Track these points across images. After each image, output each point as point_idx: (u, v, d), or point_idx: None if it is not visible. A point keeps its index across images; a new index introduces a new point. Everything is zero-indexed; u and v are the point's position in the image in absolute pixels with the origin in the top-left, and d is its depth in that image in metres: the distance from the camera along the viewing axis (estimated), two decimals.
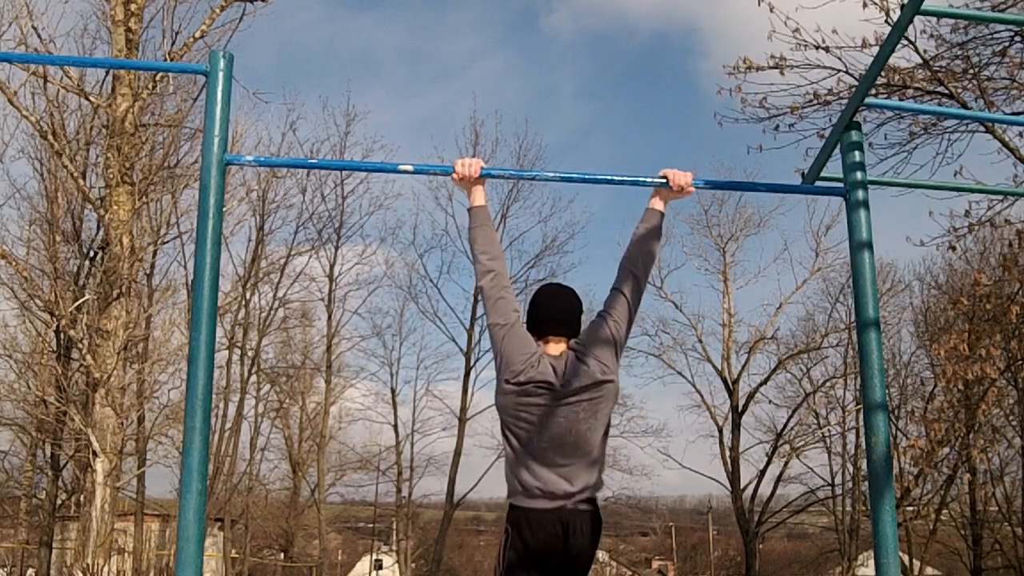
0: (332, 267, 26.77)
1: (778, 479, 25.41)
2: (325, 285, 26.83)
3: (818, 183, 3.58)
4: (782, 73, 8.71)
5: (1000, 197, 8.44)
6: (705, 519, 42.90)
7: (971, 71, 8.43)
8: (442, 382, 76.90)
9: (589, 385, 2.98)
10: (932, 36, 8.44)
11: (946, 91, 8.35)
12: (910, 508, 20.29)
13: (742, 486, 24.86)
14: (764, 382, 25.46)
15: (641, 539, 54.14)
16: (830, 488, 26.24)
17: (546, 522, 2.91)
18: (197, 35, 13.62)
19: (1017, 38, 8.12)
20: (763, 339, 25.53)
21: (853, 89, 7.44)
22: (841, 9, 8.16)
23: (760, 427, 26.62)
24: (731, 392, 25.38)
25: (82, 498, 13.76)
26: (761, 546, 29.21)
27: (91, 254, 15.79)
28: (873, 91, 4.09)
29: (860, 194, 3.19)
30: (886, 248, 36.50)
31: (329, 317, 26.72)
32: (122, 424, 12.68)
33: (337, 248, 26.81)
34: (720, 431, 25.74)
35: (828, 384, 25.57)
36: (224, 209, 4.08)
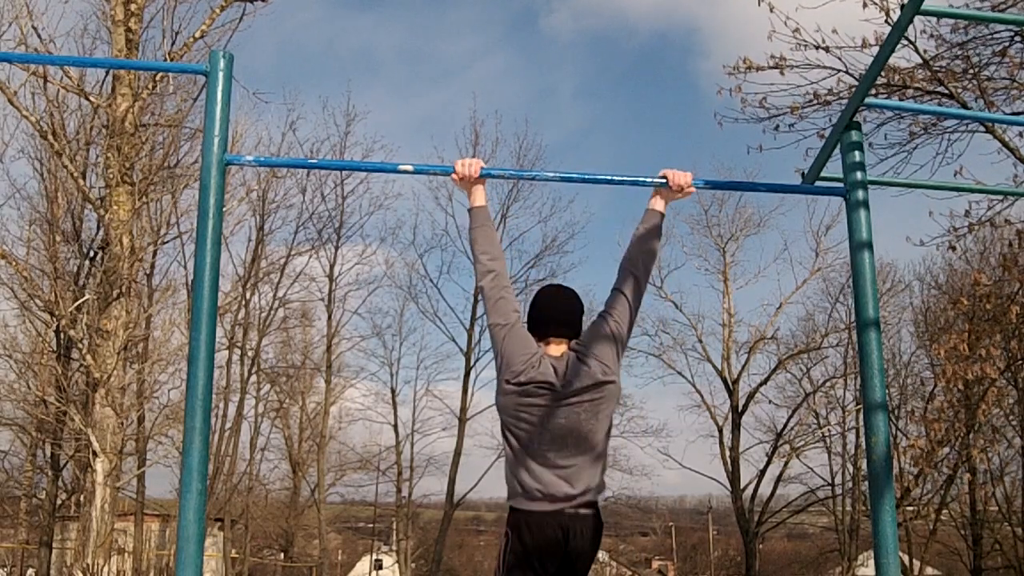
0: (332, 267, 26.80)
1: (778, 479, 25.44)
2: (325, 285, 26.87)
3: (818, 183, 3.58)
4: (782, 73, 8.71)
5: (1000, 197, 8.44)
6: (705, 519, 42.90)
7: (971, 71, 8.43)
8: (442, 382, 76.99)
9: (590, 386, 2.97)
10: (932, 36, 8.45)
11: (946, 91, 8.35)
12: (910, 508, 20.29)
13: (742, 486, 24.86)
14: (764, 382, 25.48)
15: (641, 539, 54.14)
16: (830, 488, 26.26)
17: (546, 526, 2.89)
18: (197, 35, 13.62)
19: (1017, 38, 8.12)
20: (763, 339, 25.55)
21: (853, 89, 7.44)
22: (841, 9, 8.16)
23: (760, 427, 26.66)
24: (731, 392, 25.38)
25: (82, 498, 13.76)
26: (761, 546, 29.21)
27: (91, 254, 15.79)
28: (873, 91, 4.09)
29: (860, 194, 3.19)
30: (886, 248, 36.57)
31: (329, 317, 26.75)
32: (122, 424, 12.67)
33: (337, 248, 26.85)
34: (720, 431, 25.75)
35: (828, 384, 25.59)
36: (224, 209, 4.08)
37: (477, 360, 25.28)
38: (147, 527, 22.07)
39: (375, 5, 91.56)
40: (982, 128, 8.36)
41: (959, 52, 8.43)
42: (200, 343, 2.83)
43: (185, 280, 17.58)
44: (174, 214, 16.53)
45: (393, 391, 28.20)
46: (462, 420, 24.98)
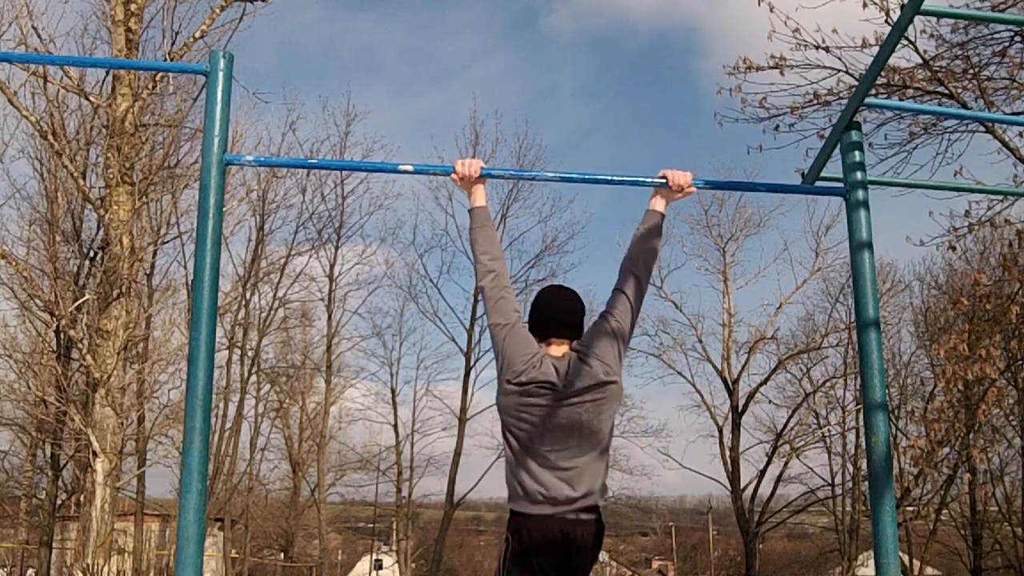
0: (332, 267, 26.80)
1: (778, 479, 25.44)
2: (325, 285, 26.87)
3: (818, 183, 3.58)
4: (782, 73, 8.71)
5: (1000, 197, 8.44)
6: (705, 519, 42.90)
7: (971, 71, 8.43)
8: (442, 382, 77.05)
9: (592, 386, 2.95)
10: (932, 36, 8.45)
11: (946, 91, 8.35)
12: (910, 508, 20.29)
13: (742, 486, 24.86)
14: (764, 382, 25.48)
15: (641, 539, 54.15)
16: (830, 488, 26.26)
17: (547, 531, 2.87)
18: (197, 35, 13.62)
19: (1017, 38, 8.12)
20: (763, 339, 25.55)
21: (853, 89, 7.44)
22: (841, 9, 8.16)
23: (760, 427, 26.66)
24: (731, 392, 25.38)
25: (82, 498, 13.76)
26: (761, 546, 29.21)
27: (91, 254, 15.79)
28: (873, 91, 4.09)
29: (860, 194, 3.19)
30: (886, 248, 36.53)
31: (329, 317, 26.75)
32: (122, 424, 12.67)
33: (337, 248, 26.84)
34: (720, 431, 25.75)
35: (828, 384, 25.59)
36: (224, 209, 4.09)
37: (477, 360, 25.33)
38: (147, 527, 22.08)
39: (375, 5, 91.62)
40: (982, 128, 8.36)
41: (959, 52, 8.43)
42: (200, 343, 2.83)
43: (185, 280, 17.60)
44: (174, 214, 16.55)
45: (393, 391, 28.24)
46: (462, 420, 24.98)
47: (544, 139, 74.49)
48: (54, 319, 13.74)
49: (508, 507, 3.02)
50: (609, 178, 3.26)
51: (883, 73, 7.49)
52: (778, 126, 8.90)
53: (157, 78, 13.23)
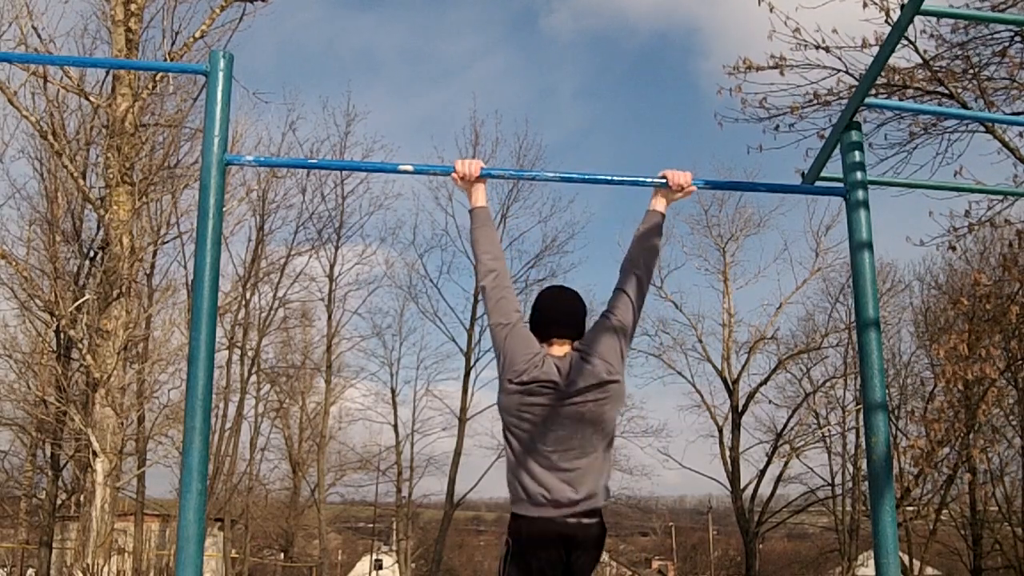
0: (332, 267, 26.80)
1: (778, 479, 25.44)
2: (325, 285, 26.87)
3: (818, 183, 3.58)
4: (782, 73, 8.71)
5: (1000, 197, 8.44)
6: (705, 519, 42.91)
7: (971, 71, 8.43)
8: (442, 382, 77.11)
9: (595, 385, 2.92)
10: (932, 36, 8.45)
11: (946, 91, 8.35)
12: (910, 508, 20.29)
13: (742, 486, 24.86)
14: (764, 382, 25.48)
15: (641, 539, 54.14)
16: (830, 488, 26.26)
17: (548, 534, 2.85)
18: (197, 35, 13.62)
19: (1017, 38, 8.12)
20: (763, 339, 25.55)
21: (853, 89, 7.44)
22: (841, 9, 8.16)
23: (760, 427, 26.66)
24: (731, 392, 25.38)
25: (82, 498, 13.76)
26: (761, 546, 29.21)
27: (91, 254, 15.79)
28: (873, 91, 4.09)
29: (860, 194, 3.19)
30: (886, 248, 36.53)
31: (329, 317, 26.75)
32: (122, 424, 12.67)
33: (337, 248, 26.84)
34: (720, 431, 25.75)
35: (828, 384, 25.59)
36: (224, 209, 4.09)
37: (477, 360, 25.32)
38: (147, 527, 22.08)
39: (375, 5, 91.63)
40: (982, 128, 8.36)
41: (959, 52, 8.44)
42: (200, 343, 2.83)
43: (185, 280, 17.60)
44: (174, 214, 16.55)
45: (393, 391, 28.23)
46: (462, 420, 24.98)
47: (544, 139, 74.53)
48: (54, 319, 13.74)
49: (510, 510, 2.99)
50: (609, 178, 3.26)
51: (883, 73, 7.49)
52: (778, 126, 8.90)
53: (157, 78, 13.23)
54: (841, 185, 3.28)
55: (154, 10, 13.94)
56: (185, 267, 18.69)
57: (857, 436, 24.41)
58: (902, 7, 2.89)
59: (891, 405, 22.29)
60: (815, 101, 8.82)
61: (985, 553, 23.05)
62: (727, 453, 25.21)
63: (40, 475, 20.33)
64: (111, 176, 12.82)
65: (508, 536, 2.94)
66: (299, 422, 28.90)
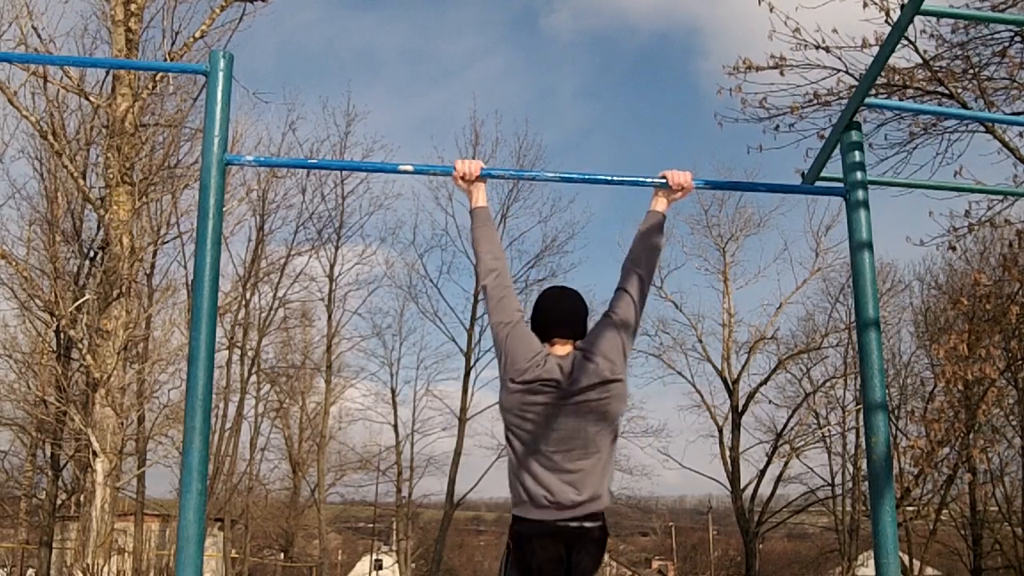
0: (332, 267, 26.80)
1: (778, 479, 25.44)
2: (325, 285, 26.87)
3: (818, 183, 3.58)
4: (782, 73, 8.71)
5: (1000, 197, 8.44)
6: (705, 519, 42.91)
7: (971, 71, 8.43)
8: (442, 382, 77.12)
9: (597, 384, 2.90)
10: (932, 36, 8.45)
11: (946, 91, 8.35)
12: (910, 508, 20.28)
13: (742, 486, 24.86)
14: (764, 382, 25.48)
15: (641, 539, 54.16)
16: (830, 488, 26.26)
17: (549, 538, 2.83)
18: (197, 35, 13.62)
19: (1017, 38, 8.12)
20: (763, 339, 25.55)
21: (853, 89, 7.45)
22: (841, 9, 8.16)
23: (760, 427, 26.66)
24: (731, 392, 25.38)
25: (82, 498, 13.76)
26: (761, 546, 29.21)
27: (91, 254, 15.79)
28: (873, 91, 4.09)
29: (860, 194, 3.19)
30: (886, 248, 36.55)
31: (329, 317, 26.74)
32: (122, 424, 12.67)
33: (337, 248, 26.84)
34: (720, 431, 25.75)
35: (828, 384, 25.59)
36: (224, 209, 4.09)
37: (477, 360, 25.32)
38: (147, 527, 22.08)
39: (375, 5, 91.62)
40: (982, 128, 8.36)
41: (959, 52, 8.43)
42: (200, 343, 2.83)
43: (185, 280, 17.60)
44: (174, 214, 16.55)
45: (393, 391, 28.23)
46: (462, 420, 24.98)
47: (544, 139, 74.56)
48: (54, 319, 13.74)
49: (511, 512, 2.96)
50: (609, 178, 3.26)
51: (883, 73, 7.49)
52: (778, 126, 8.90)
53: (157, 78, 13.23)
54: (841, 185, 3.28)
55: (154, 10, 13.96)
56: (185, 267, 18.71)
57: (857, 436, 24.41)
58: (902, 7, 2.89)
59: (891, 405, 22.29)
60: (815, 101, 8.83)
61: (985, 553, 23.05)
62: (727, 453, 25.21)
63: (40, 475, 20.34)
64: (111, 176, 12.82)
65: (509, 539, 2.92)
66: (299, 422, 28.93)
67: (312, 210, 26.36)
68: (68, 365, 15.45)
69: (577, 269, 29.35)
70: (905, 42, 8.06)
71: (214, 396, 4.71)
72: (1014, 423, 21.32)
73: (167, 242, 17.68)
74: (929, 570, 25.70)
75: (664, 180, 3.15)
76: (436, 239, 42.39)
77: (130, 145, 12.82)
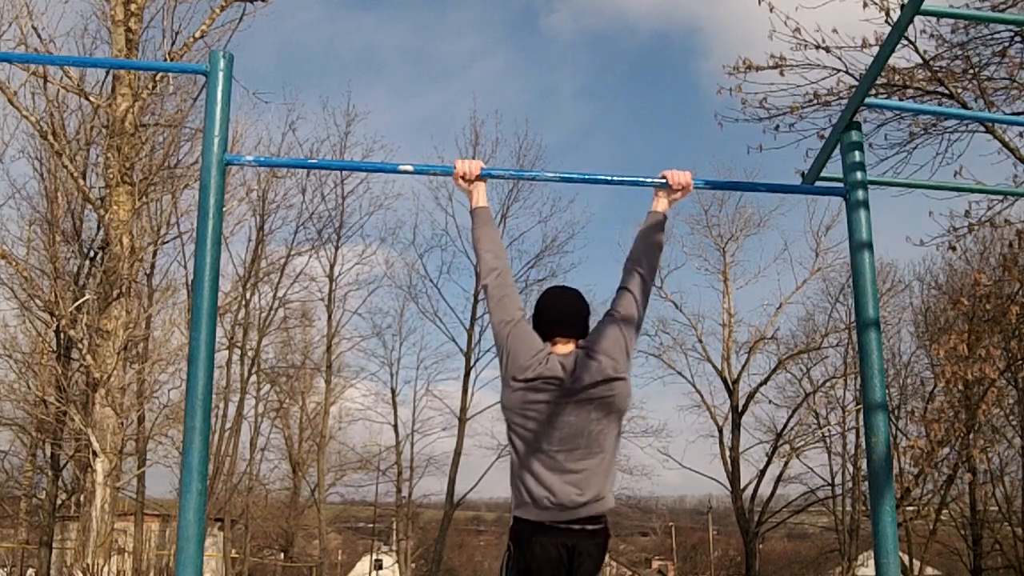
0: (332, 267, 26.80)
1: (778, 479, 25.44)
2: (325, 285, 26.87)
3: (818, 183, 3.58)
4: (782, 73, 8.71)
5: (1000, 197, 8.44)
6: (705, 519, 42.92)
7: (971, 71, 8.43)
8: (442, 382, 77.15)
9: (600, 381, 2.88)
10: (932, 36, 8.45)
11: (946, 91, 8.35)
12: (910, 508, 20.28)
13: (742, 486, 24.86)
14: (764, 382, 25.48)
15: (641, 539, 54.17)
16: (830, 488, 26.26)
17: (550, 541, 2.81)
18: (197, 35, 13.62)
19: (1017, 38, 8.12)
20: (763, 339, 25.55)
21: (853, 89, 7.45)
22: (841, 9, 8.16)
23: (760, 427, 26.67)
24: (731, 392, 25.38)
25: (82, 498, 13.76)
26: (761, 546, 29.21)
27: (91, 254, 15.79)
28: (873, 91, 4.09)
29: (860, 194, 3.19)
30: (886, 248, 36.54)
31: (329, 317, 26.74)
32: (122, 424, 12.67)
33: (337, 248, 26.84)
34: (720, 431, 25.75)
35: (828, 384, 25.59)
36: (224, 209, 4.09)
37: (477, 360, 25.33)
38: (147, 527, 22.08)
39: (375, 5, 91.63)
40: (982, 128, 8.36)
41: (959, 52, 8.43)
42: (200, 343, 2.83)
43: (185, 280, 17.61)
44: (174, 214, 16.56)
45: (393, 391, 28.23)
46: (462, 420, 24.98)
47: (544, 139, 74.55)
48: (54, 319, 13.75)
49: (512, 513, 2.93)
50: (609, 178, 3.26)
51: (883, 73, 7.49)
52: (778, 126, 8.90)
53: (157, 78, 13.23)
54: (841, 185, 3.28)
55: (154, 10, 13.96)
56: (185, 267, 18.72)
57: (857, 436, 24.41)
58: (902, 7, 2.89)
59: (891, 405, 22.29)
60: (815, 101, 8.83)
61: (985, 553, 23.05)
62: (727, 453, 25.21)
63: (40, 475, 20.34)
64: (111, 176, 12.82)
65: (509, 540, 2.90)
66: (299, 422, 28.93)
67: (312, 210, 26.40)
68: (68, 365, 15.45)
69: (577, 269, 29.38)
70: (905, 42, 8.07)
71: (214, 396, 4.71)
72: (1014, 423, 21.32)
73: (167, 242, 17.71)
74: (929, 570, 25.70)
75: (664, 180, 3.15)
76: (436, 239, 42.46)
77: (130, 145, 12.82)
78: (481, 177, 3.18)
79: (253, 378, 25.55)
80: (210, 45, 13.69)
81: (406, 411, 39.14)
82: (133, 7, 13.23)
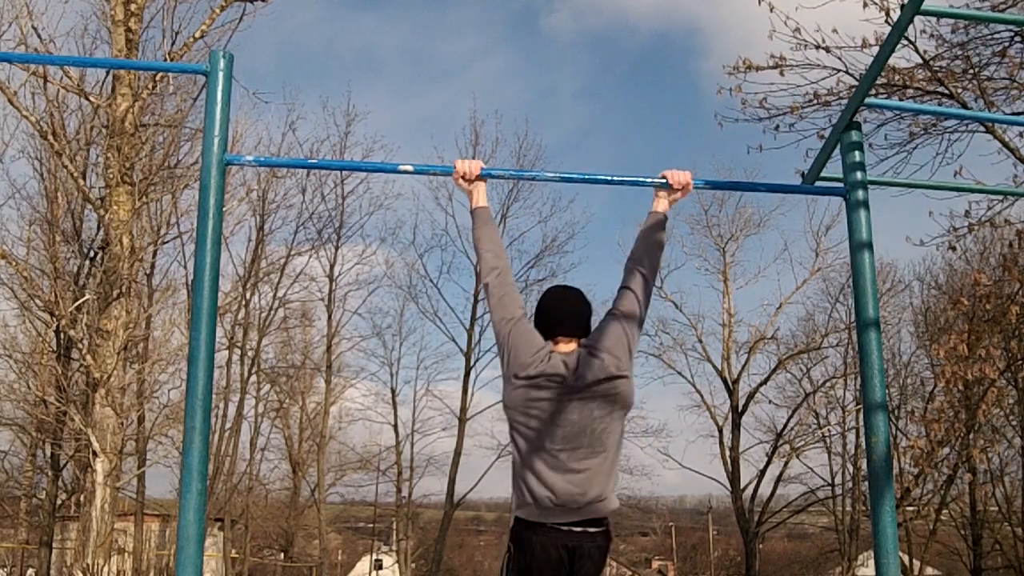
0: (332, 267, 26.80)
1: (778, 479, 25.44)
2: (325, 285, 26.86)
3: (818, 183, 3.58)
4: (782, 73, 8.71)
5: (1000, 197, 8.44)
6: (705, 519, 42.92)
7: (971, 71, 8.43)
8: (442, 382, 77.18)
9: (603, 379, 2.86)
10: (932, 36, 8.45)
11: (946, 91, 8.35)
12: (910, 508, 20.27)
13: (742, 486, 24.86)
14: (764, 382, 25.48)
15: (641, 539, 54.17)
16: (830, 488, 26.26)
17: (551, 543, 2.80)
18: (197, 35, 13.62)
19: (1017, 38, 8.12)
20: (763, 339, 25.55)
21: (853, 89, 7.45)
22: (841, 9, 8.16)
23: (760, 427, 26.67)
24: (731, 392, 25.38)
25: (82, 498, 13.76)
26: (761, 546, 29.20)
27: (91, 254, 15.79)
28: (873, 91, 4.09)
29: (860, 194, 3.19)
30: (886, 248, 36.55)
31: (329, 317, 26.74)
32: (122, 424, 12.67)
33: (337, 248, 26.84)
34: (720, 431, 25.75)
35: (828, 384, 25.59)
36: (224, 209, 4.09)
37: (477, 360, 25.33)
38: (147, 527, 22.08)
39: (375, 5, 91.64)
40: (982, 128, 8.36)
41: (959, 52, 8.43)
42: (200, 343, 2.83)
43: (185, 280, 17.61)
44: (174, 214, 16.56)
45: (393, 391, 28.23)
46: (462, 420, 24.98)
47: (544, 139, 74.55)
48: (54, 319, 13.74)
49: (513, 514, 2.91)
50: (609, 178, 3.26)
51: (883, 73, 7.49)
52: (778, 126, 8.90)
53: (157, 78, 13.23)
54: (841, 185, 3.28)
55: (154, 10, 13.96)
56: (185, 267, 18.71)
57: (857, 436, 24.41)
58: (902, 7, 2.89)
59: (891, 405, 22.29)
60: (815, 101, 8.82)
61: (985, 553, 23.05)
62: (727, 453, 25.21)
63: (40, 475, 20.33)
64: (111, 176, 12.82)
65: (510, 541, 2.89)
66: (299, 422, 28.92)
67: (312, 210, 26.40)
68: (68, 365, 15.45)
69: (577, 269, 29.37)
70: (905, 42, 8.07)
71: (214, 396, 4.71)
72: (1014, 423, 21.32)
73: (167, 242, 17.71)
74: (929, 570, 25.70)
75: (664, 180, 3.15)
76: (436, 239, 42.45)
77: (130, 145, 12.82)
78: (481, 177, 3.18)
79: (253, 378, 25.56)
80: (210, 45, 13.69)
81: (406, 411, 39.16)
82: (133, 7, 13.23)
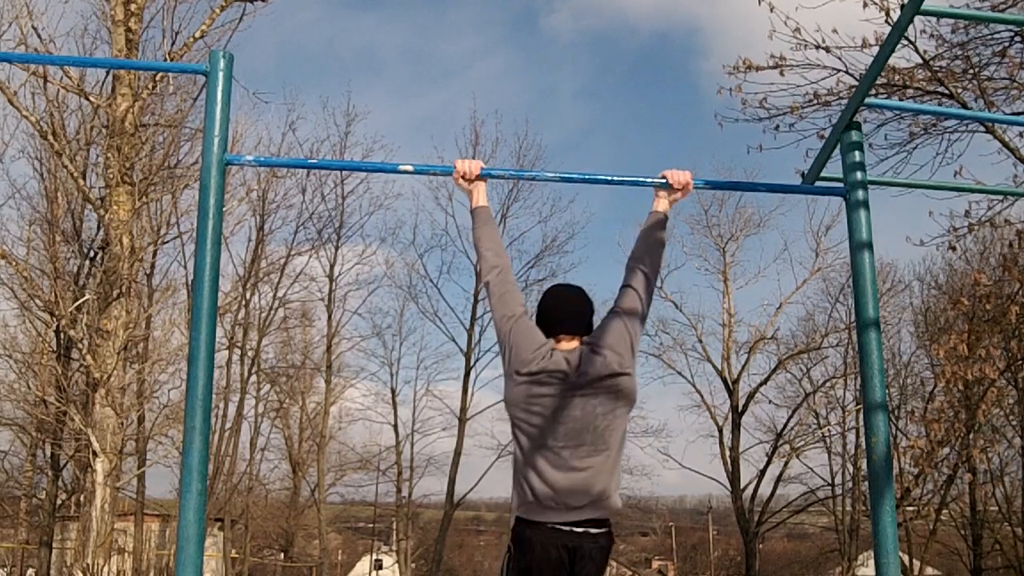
0: (332, 267, 26.80)
1: (778, 479, 25.44)
2: (325, 285, 26.86)
3: (818, 183, 3.58)
4: (782, 73, 8.71)
5: (1000, 197, 8.43)
6: (705, 519, 42.92)
7: (971, 71, 8.43)
8: (442, 382, 77.17)
9: (606, 376, 2.85)
10: (932, 36, 8.45)
11: (946, 91, 8.35)
12: (910, 508, 20.27)
13: (742, 486, 24.86)
14: (764, 382, 25.48)
15: (641, 539, 54.17)
16: (830, 488, 26.25)
17: (552, 544, 2.78)
18: (197, 35, 13.62)
19: (1017, 38, 8.12)
20: (763, 339, 25.55)
21: (853, 89, 7.45)
22: (841, 9, 8.16)
23: (760, 427, 26.66)
24: (731, 392, 25.38)
25: (82, 498, 13.76)
26: (761, 546, 29.20)
27: (91, 254, 15.79)
28: (873, 91, 4.09)
29: (860, 194, 3.19)
30: (886, 248, 36.53)
31: (329, 317, 26.74)
32: (122, 424, 12.67)
33: (337, 248, 26.84)
34: (720, 431, 25.74)
35: (828, 384, 25.59)
36: (224, 209, 4.09)
37: (477, 360, 25.33)
38: (147, 527, 22.08)
39: (375, 5, 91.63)
40: (982, 128, 8.36)
41: (959, 52, 8.43)
42: (200, 343, 2.83)
43: (185, 280, 17.61)
44: (174, 214, 16.56)
45: (393, 391, 28.23)
46: (462, 420, 24.98)
47: (544, 139, 74.49)
48: (54, 319, 13.74)
49: (513, 514, 2.90)
50: (609, 178, 3.27)
51: (883, 73, 7.49)
52: (778, 126, 8.90)
53: (157, 78, 13.23)
54: (841, 185, 3.28)
55: (154, 10, 13.96)
56: (185, 267, 18.71)
57: (857, 436, 24.40)
58: (902, 7, 2.89)
59: (891, 405, 22.29)
60: (815, 101, 8.82)
61: (985, 553, 23.04)
62: (727, 453, 25.21)
63: (40, 475, 20.33)
64: (111, 176, 12.82)
65: (511, 541, 2.88)
66: (299, 422, 28.92)
67: (312, 210, 26.40)
68: (68, 365, 15.45)
69: (577, 269, 29.28)
70: (905, 42, 8.06)
71: (214, 396, 4.71)
72: (1014, 423, 21.32)
73: (167, 242, 17.71)
74: (929, 570, 25.70)
75: (664, 180, 3.15)
76: (436, 239, 42.44)
77: (130, 145, 12.82)
78: (481, 177, 3.18)
79: (253, 378, 25.56)
80: (210, 45, 13.69)
81: (406, 411, 39.16)
82: (133, 7, 13.23)
